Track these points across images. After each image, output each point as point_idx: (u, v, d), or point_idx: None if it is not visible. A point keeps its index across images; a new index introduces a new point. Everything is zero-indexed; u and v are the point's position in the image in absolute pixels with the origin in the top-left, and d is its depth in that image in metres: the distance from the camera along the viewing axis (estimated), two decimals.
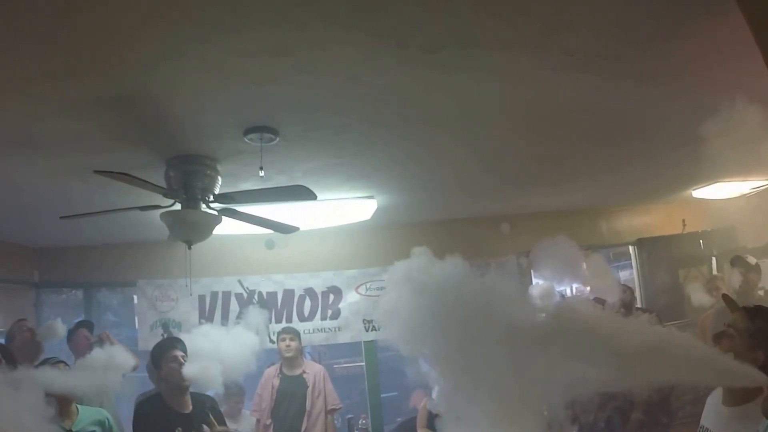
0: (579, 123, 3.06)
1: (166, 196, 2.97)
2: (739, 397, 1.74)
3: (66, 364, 2.72)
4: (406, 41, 2.03)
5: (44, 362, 2.66)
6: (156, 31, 1.86)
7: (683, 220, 5.61)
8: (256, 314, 4.53)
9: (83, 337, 3.93)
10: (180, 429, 2.77)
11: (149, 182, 2.68)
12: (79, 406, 2.70)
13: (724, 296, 2.03)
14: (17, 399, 1.94)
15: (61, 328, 3.95)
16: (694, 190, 4.99)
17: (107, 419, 2.76)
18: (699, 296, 4.77)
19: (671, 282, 5.51)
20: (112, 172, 2.46)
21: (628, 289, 4.85)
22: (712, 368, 1.47)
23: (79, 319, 4.59)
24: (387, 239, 5.04)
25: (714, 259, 5.51)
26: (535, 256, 4.67)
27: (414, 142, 3.15)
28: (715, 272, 5.31)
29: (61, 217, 3.13)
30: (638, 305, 5.22)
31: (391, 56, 2.12)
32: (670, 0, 1.90)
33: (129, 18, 1.78)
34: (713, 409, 1.89)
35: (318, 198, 2.94)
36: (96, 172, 2.47)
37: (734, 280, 4.11)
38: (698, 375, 1.48)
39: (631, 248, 5.85)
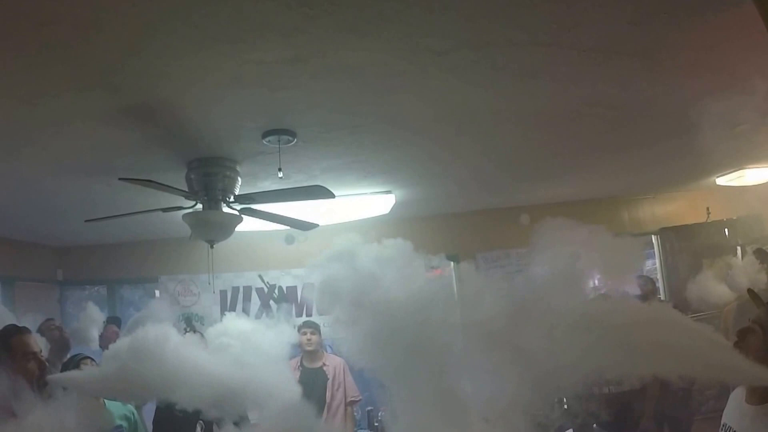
0: (595, 117, 3.01)
1: (187, 198, 3.02)
2: (763, 395, 1.70)
3: (93, 360, 2.77)
4: (417, 45, 2.02)
5: (72, 359, 2.70)
6: (177, 45, 1.89)
7: (707, 208, 5.43)
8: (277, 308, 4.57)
9: (112, 332, 4.01)
10: (201, 422, 2.81)
11: (171, 186, 2.73)
12: (106, 401, 2.75)
13: (750, 290, 1.97)
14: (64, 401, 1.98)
15: (97, 314, 3.99)
16: (717, 177, 4.86)
17: (133, 414, 2.81)
18: (694, 295, 4.61)
19: (695, 273, 5.38)
20: (135, 179, 2.51)
21: (649, 280, 4.77)
22: (720, 366, 1.43)
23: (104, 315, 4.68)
24: (406, 232, 4.99)
25: (739, 248, 5.36)
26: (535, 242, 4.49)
27: (429, 140, 3.14)
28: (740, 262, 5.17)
29: (86, 221, 3.19)
30: (660, 297, 5.14)
31: (403, 60, 2.13)
32: None
33: (152, 34, 1.82)
34: (736, 406, 1.83)
35: (336, 194, 2.97)
36: (120, 179, 2.51)
37: (749, 272, 3.98)
38: (710, 372, 1.44)
39: (653, 238, 5.71)
